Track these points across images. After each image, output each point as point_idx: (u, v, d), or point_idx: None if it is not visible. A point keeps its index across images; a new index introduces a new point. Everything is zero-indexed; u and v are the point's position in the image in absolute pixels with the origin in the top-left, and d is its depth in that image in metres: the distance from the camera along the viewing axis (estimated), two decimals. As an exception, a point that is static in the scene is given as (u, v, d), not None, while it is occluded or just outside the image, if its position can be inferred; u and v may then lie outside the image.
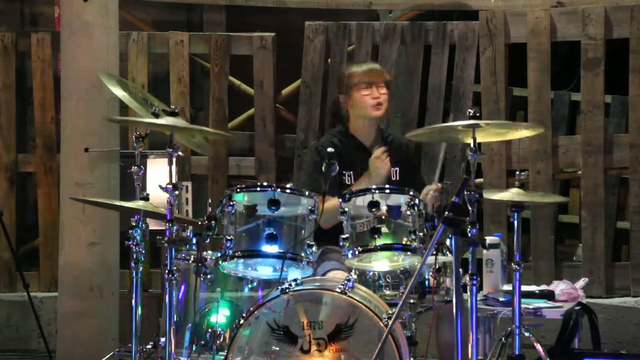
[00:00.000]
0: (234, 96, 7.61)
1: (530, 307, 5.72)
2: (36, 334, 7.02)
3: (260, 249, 4.91)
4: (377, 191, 4.94)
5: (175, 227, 4.93)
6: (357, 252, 4.93)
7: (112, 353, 5.85)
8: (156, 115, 5.41)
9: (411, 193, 4.96)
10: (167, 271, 4.92)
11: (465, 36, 7.24)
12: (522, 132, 5.17)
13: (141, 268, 5.33)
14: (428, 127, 5.42)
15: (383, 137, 5.63)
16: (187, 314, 5.28)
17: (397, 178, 5.52)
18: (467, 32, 7.25)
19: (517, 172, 5.49)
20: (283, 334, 4.91)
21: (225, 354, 4.91)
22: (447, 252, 4.97)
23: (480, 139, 4.94)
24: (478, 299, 5.06)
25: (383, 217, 4.92)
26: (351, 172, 5.47)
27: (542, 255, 7.14)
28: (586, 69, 7.11)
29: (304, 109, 7.40)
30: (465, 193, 4.64)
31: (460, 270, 4.49)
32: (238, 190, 5.00)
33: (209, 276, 5.19)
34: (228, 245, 4.93)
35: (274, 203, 4.88)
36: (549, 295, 5.90)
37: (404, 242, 4.92)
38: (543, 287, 6.04)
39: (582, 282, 6.09)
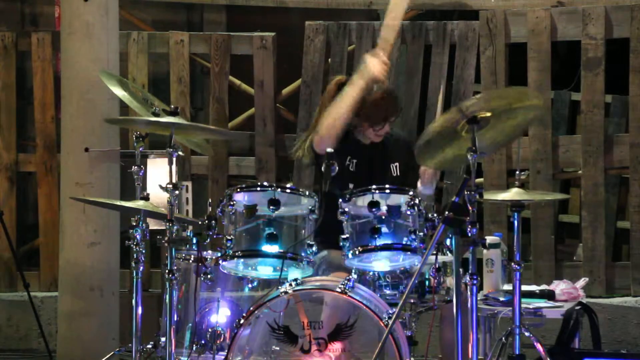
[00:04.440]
0: (234, 96, 7.61)
1: (531, 306, 5.72)
2: (36, 334, 7.02)
3: (261, 248, 4.92)
4: (377, 191, 4.94)
5: (175, 227, 4.94)
6: (357, 252, 4.93)
7: (112, 353, 5.86)
8: (156, 115, 5.41)
9: (411, 193, 4.96)
10: (167, 271, 4.92)
11: (465, 36, 7.24)
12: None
13: (141, 268, 5.33)
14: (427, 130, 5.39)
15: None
16: (187, 314, 5.28)
17: (398, 173, 5.52)
18: (468, 31, 7.25)
19: (517, 172, 5.49)
20: (283, 334, 4.92)
21: (225, 353, 4.92)
22: (447, 252, 4.97)
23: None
24: (478, 298, 5.06)
25: (383, 217, 4.92)
26: (354, 160, 5.46)
27: (543, 255, 7.14)
28: (586, 69, 7.11)
29: (304, 108, 7.40)
30: (466, 193, 4.64)
31: (461, 270, 4.50)
32: (238, 190, 5.00)
33: (209, 276, 5.19)
34: (228, 245, 4.94)
35: (274, 203, 4.88)
36: (549, 295, 5.90)
37: (404, 242, 4.92)
38: (543, 286, 6.04)
39: (582, 281, 6.09)
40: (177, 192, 4.95)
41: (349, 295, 4.84)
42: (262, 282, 5.14)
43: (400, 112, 5.59)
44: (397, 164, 5.53)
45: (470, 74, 7.25)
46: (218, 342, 5.16)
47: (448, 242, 4.55)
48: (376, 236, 4.90)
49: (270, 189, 4.95)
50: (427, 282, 5.02)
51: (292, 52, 7.49)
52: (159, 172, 5.92)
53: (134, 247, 5.31)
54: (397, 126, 6.82)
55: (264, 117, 7.42)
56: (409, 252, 4.92)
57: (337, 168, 4.96)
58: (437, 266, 4.98)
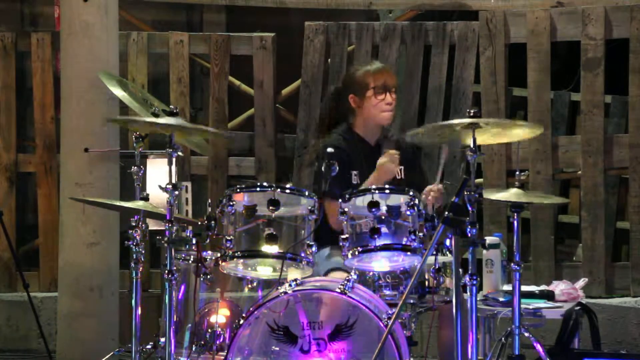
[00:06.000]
0: (234, 96, 7.61)
1: (530, 307, 5.72)
2: (36, 334, 7.02)
3: (260, 249, 4.92)
4: (377, 191, 4.94)
5: (175, 227, 4.93)
6: (357, 253, 4.93)
7: (112, 353, 5.86)
8: (156, 116, 5.41)
9: (411, 193, 4.95)
10: (166, 271, 4.91)
11: (465, 36, 7.24)
12: (521, 132, 5.15)
13: (141, 268, 5.33)
14: (427, 125, 5.38)
15: (386, 135, 5.60)
16: (187, 314, 5.28)
17: (403, 177, 5.51)
18: (467, 32, 7.25)
19: (517, 172, 5.48)
20: (283, 334, 4.91)
21: (225, 354, 4.91)
22: (447, 252, 4.97)
23: (479, 140, 4.93)
24: (478, 299, 5.06)
25: (383, 217, 4.91)
26: (357, 172, 5.44)
27: (542, 255, 7.14)
28: (586, 69, 7.11)
29: (303, 109, 7.40)
30: (465, 193, 4.64)
31: (460, 270, 4.49)
32: (238, 190, 5.00)
33: (208, 276, 5.19)
34: (228, 245, 4.93)
35: (273, 203, 4.88)
36: (549, 296, 5.90)
37: (403, 242, 4.91)
38: (543, 287, 6.04)
39: (582, 282, 6.09)
40: (176, 192, 4.94)
41: (349, 296, 4.83)
42: (261, 282, 5.14)
43: (397, 83, 5.55)
44: (401, 167, 5.52)
45: (469, 75, 7.25)
46: (217, 342, 5.15)
47: (447, 242, 4.55)
48: (376, 236, 4.89)
49: (269, 189, 4.94)
50: (426, 283, 5.01)
51: (291, 53, 7.49)
52: (158, 173, 5.91)
53: (134, 247, 5.30)
54: (396, 129, 6.84)
55: (264, 117, 7.42)
56: (408, 253, 4.91)
57: (337, 168, 4.95)
58: (436, 267, 4.97)
